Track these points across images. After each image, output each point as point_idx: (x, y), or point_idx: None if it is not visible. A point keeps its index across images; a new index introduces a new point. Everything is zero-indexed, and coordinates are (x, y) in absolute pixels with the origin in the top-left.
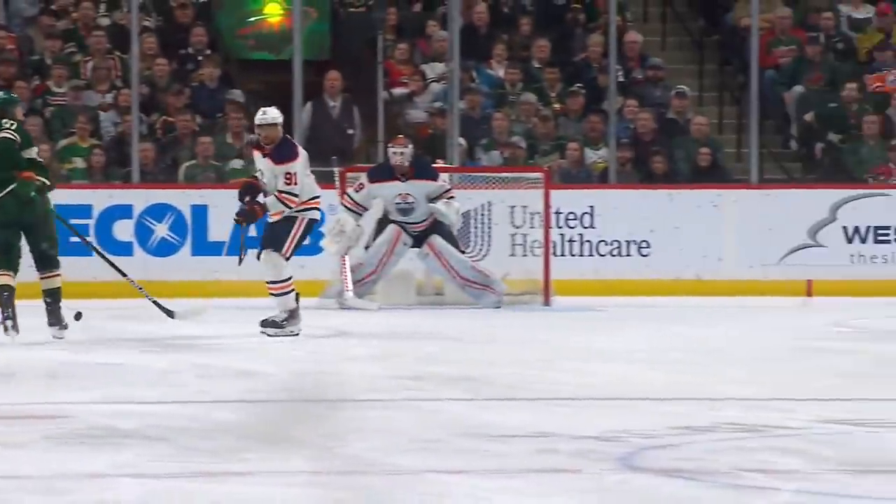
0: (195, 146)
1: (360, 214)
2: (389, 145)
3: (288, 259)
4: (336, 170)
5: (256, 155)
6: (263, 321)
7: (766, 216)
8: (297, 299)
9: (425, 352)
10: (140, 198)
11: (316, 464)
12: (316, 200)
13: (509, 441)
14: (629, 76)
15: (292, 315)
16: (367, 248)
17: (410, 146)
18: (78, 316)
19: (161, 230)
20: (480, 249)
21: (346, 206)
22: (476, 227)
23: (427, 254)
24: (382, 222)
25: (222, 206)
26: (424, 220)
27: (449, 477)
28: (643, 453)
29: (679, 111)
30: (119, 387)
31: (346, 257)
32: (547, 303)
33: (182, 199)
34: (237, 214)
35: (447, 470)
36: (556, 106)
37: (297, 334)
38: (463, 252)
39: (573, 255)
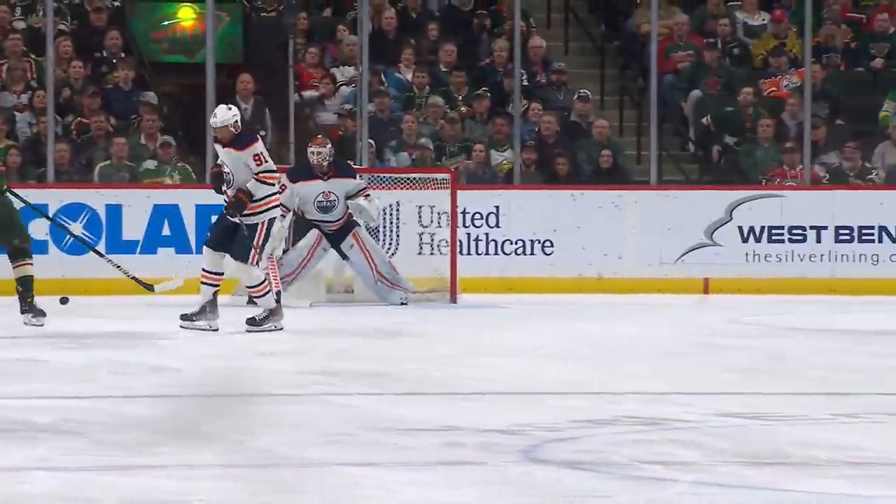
0: (110, 147)
1: (284, 216)
2: (308, 145)
3: (257, 264)
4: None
5: (217, 147)
6: (248, 319)
7: (665, 216)
8: (277, 299)
9: (335, 348)
10: (55, 197)
11: (227, 457)
12: (274, 198)
13: (417, 435)
14: (533, 80)
15: (273, 313)
16: (285, 251)
17: (329, 146)
18: (64, 300)
19: (76, 229)
20: (389, 248)
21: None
22: (385, 227)
23: (352, 245)
24: (299, 223)
25: (136, 205)
26: (341, 219)
27: (358, 470)
28: (546, 446)
29: (581, 114)
30: (35, 382)
31: (274, 258)
32: (453, 300)
33: (97, 198)
34: (227, 207)
35: (356, 463)
36: (463, 109)
37: (276, 329)
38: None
39: (479, 254)
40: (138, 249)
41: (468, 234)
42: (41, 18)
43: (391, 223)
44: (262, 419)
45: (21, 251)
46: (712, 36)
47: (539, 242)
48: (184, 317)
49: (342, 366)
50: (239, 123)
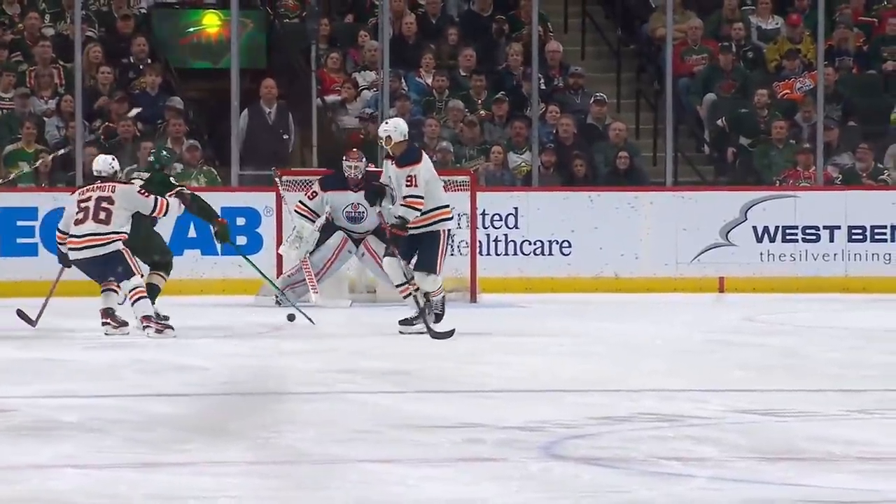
0: (137, 151)
1: (313, 220)
2: (344, 159)
3: (439, 274)
4: (275, 172)
5: (387, 163)
6: (401, 320)
7: (681, 217)
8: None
9: (358, 347)
10: None
11: (253, 454)
12: (446, 210)
13: (437, 432)
14: (551, 84)
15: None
16: (311, 252)
17: (364, 160)
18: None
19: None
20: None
21: (299, 213)
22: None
23: (363, 253)
24: (328, 228)
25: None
26: (370, 230)
27: (380, 466)
28: (565, 442)
29: (598, 117)
30: (61, 382)
31: (307, 261)
32: (473, 300)
33: None
34: (391, 226)
35: (379, 459)
36: (482, 112)
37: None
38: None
39: (498, 255)
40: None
41: (487, 235)
42: (69, 25)
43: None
44: (287, 417)
45: (160, 265)
46: (727, 40)
47: (557, 243)
48: (403, 322)
49: (365, 364)
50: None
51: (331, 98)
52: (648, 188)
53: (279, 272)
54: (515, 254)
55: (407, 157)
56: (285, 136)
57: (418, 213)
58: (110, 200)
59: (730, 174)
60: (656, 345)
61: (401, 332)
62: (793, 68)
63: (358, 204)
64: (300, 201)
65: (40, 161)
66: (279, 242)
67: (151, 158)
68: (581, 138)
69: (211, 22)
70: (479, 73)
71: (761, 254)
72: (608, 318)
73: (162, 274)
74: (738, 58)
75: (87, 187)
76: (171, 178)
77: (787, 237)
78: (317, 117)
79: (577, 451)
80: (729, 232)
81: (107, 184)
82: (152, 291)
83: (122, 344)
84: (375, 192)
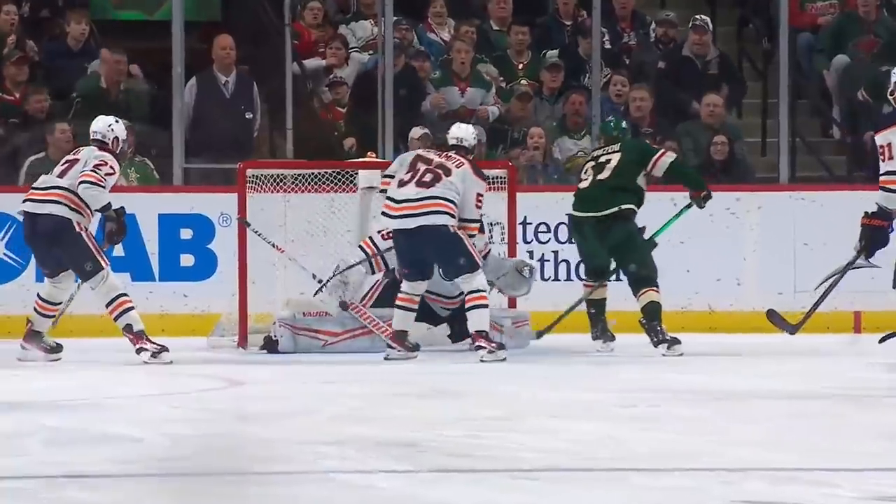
0: (48, 134)
1: (373, 267)
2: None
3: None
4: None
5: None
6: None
7: (800, 226)
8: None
9: (346, 406)
10: None
11: None
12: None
13: None
14: (619, 42)
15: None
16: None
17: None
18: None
19: None
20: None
21: (364, 250)
22: None
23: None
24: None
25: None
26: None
27: None
28: None
29: (699, 51)
30: None
31: (359, 307)
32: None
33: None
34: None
35: None
36: (523, 81)
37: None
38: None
39: (545, 279)
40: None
41: (530, 252)
42: None
43: None
44: None
45: (644, 279)
46: None
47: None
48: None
49: (356, 431)
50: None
51: (311, 62)
52: (755, 187)
53: (242, 310)
54: (568, 278)
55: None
56: (249, 116)
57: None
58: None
59: (869, 167)
60: (763, 403)
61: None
62: None
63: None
64: (371, 238)
65: None
66: (242, 277)
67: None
68: (660, 117)
69: None
70: (519, 25)
71: None
72: (696, 365)
73: (653, 288)
74: (882, 5)
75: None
76: None
77: None
78: (292, 89)
79: None
80: None
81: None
82: (654, 311)
83: (25, 405)
84: None
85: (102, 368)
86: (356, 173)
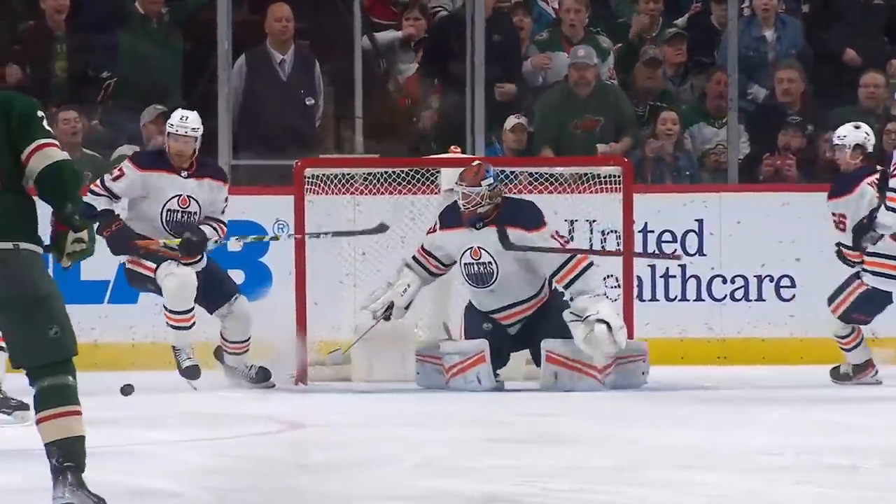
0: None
1: (426, 269)
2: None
3: None
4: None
5: None
6: None
7: None
8: None
9: (430, 455)
10: None
11: None
12: None
13: None
14: None
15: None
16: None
17: (489, 180)
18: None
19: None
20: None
21: (414, 256)
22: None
23: (555, 373)
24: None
25: None
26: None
27: None
28: None
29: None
30: None
31: (379, 319)
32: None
33: None
34: None
35: None
36: (652, 50)
37: None
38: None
39: (670, 300)
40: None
41: (652, 268)
42: None
43: None
44: None
45: None
46: None
47: (771, 280)
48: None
49: (444, 486)
50: None
51: (385, 35)
52: None
53: (301, 337)
54: (699, 298)
55: None
56: (309, 101)
57: None
58: None
59: None
60: None
61: None
62: None
63: (480, 249)
64: (423, 246)
65: None
66: (300, 297)
67: None
68: (815, 99)
69: None
70: None
71: None
72: (859, 406)
73: None
74: None
75: None
76: None
77: None
78: (362, 69)
79: None
80: None
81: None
82: None
83: (37, 453)
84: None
85: (132, 408)
86: (438, 172)
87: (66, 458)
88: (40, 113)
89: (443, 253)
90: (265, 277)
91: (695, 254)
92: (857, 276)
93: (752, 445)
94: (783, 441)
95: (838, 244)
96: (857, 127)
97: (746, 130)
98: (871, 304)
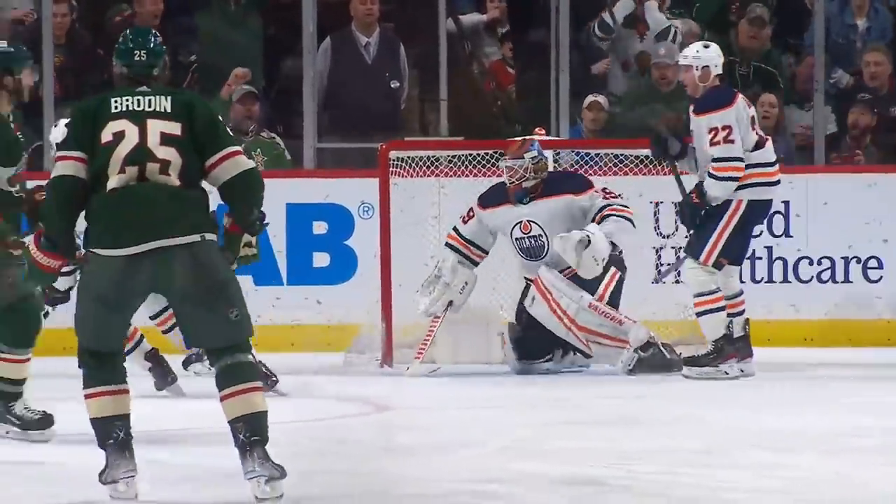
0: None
1: (469, 258)
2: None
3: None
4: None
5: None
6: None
7: None
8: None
9: (516, 437)
10: None
11: None
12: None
13: None
14: None
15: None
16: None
17: (534, 151)
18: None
19: None
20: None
21: (449, 245)
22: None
23: (533, 297)
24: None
25: None
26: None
27: None
28: None
29: None
30: None
31: (443, 316)
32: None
33: None
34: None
35: None
36: (761, 8)
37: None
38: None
39: (756, 282)
40: None
41: None
42: None
43: None
44: None
45: None
46: None
47: (858, 261)
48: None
49: (529, 468)
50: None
51: (470, 18)
52: None
53: (387, 320)
54: (785, 279)
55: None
56: (394, 85)
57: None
58: None
59: None
60: None
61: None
62: None
63: (530, 223)
64: (455, 228)
65: None
66: (386, 279)
67: None
68: None
69: None
70: None
71: None
72: None
73: None
74: None
75: None
76: None
77: None
78: (447, 52)
79: None
80: None
81: None
82: None
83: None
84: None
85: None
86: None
87: (253, 432)
88: (220, 118)
89: (482, 238)
90: (351, 260)
91: (781, 235)
92: None
93: (839, 427)
94: (870, 423)
95: None
96: None
97: (833, 112)
98: None
